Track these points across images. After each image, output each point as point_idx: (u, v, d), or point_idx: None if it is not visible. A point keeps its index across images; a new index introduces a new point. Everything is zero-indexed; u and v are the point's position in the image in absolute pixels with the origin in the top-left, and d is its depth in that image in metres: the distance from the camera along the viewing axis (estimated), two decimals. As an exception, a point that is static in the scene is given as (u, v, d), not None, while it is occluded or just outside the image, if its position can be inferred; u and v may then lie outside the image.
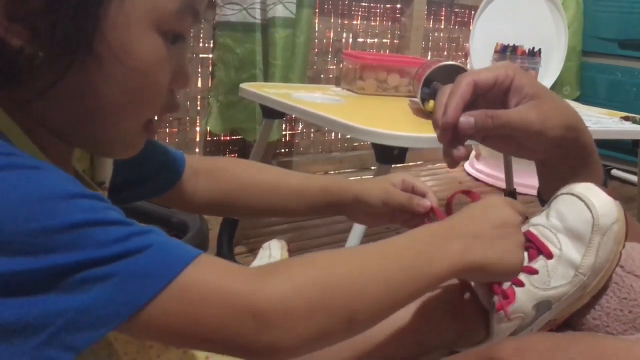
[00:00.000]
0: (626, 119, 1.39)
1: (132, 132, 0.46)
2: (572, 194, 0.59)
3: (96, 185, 0.54)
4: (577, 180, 0.60)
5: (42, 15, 0.38)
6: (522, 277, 0.56)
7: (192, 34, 1.85)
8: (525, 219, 0.55)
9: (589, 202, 0.57)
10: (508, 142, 0.61)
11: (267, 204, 0.67)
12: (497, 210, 0.51)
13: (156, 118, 0.48)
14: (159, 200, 0.63)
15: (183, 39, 0.46)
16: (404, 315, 0.59)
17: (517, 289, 0.56)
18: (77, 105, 0.42)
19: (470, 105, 0.58)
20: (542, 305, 0.57)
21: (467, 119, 0.57)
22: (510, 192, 2.06)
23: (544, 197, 0.66)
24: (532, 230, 0.59)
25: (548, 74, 2.31)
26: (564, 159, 0.62)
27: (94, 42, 0.40)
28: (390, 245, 0.46)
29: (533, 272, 0.57)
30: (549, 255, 0.57)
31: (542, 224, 0.59)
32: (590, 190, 0.58)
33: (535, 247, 0.58)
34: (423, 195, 0.64)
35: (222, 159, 0.68)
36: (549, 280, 0.57)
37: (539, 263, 0.57)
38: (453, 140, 0.59)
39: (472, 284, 0.59)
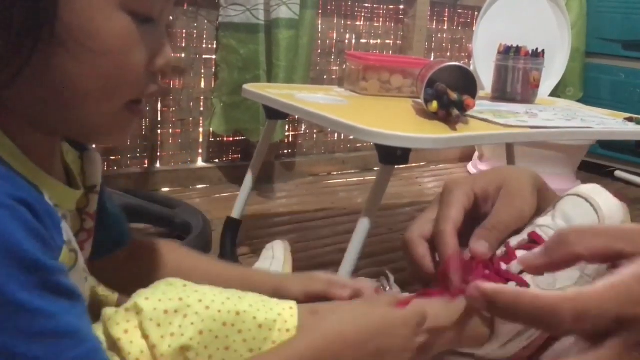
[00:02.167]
0: (630, 119, 1.39)
1: (112, 115, 0.45)
2: (578, 195, 0.59)
3: (85, 189, 0.54)
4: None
5: None
6: (528, 278, 0.56)
7: (194, 34, 1.86)
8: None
9: (595, 203, 0.57)
10: None
11: None
12: (393, 338, 0.52)
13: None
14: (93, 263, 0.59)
15: (154, 21, 0.45)
16: None
17: (522, 290, 0.56)
18: (51, 92, 0.42)
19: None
20: (547, 307, 0.57)
21: (481, 244, 0.57)
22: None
23: None
24: (538, 231, 0.59)
25: (551, 74, 2.31)
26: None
27: (56, 26, 0.39)
28: None
29: (538, 273, 0.56)
30: (554, 257, 0.57)
31: (547, 225, 0.59)
32: (596, 192, 0.58)
33: None
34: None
35: (157, 243, 0.68)
36: (555, 281, 0.56)
37: (544, 264, 0.57)
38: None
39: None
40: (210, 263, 0.69)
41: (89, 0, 0.40)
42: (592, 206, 0.57)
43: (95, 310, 0.53)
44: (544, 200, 0.63)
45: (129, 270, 0.64)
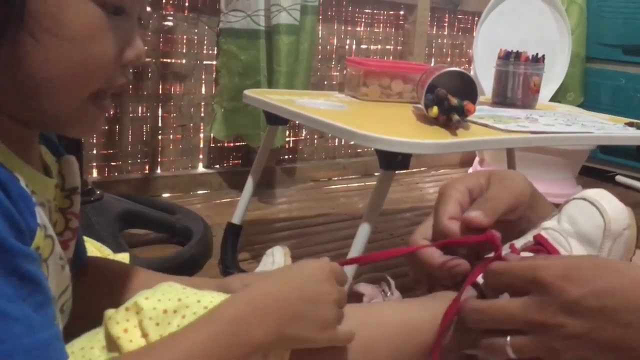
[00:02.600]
0: (630, 124, 1.39)
1: (78, 105, 0.45)
2: (585, 199, 0.59)
3: (65, 193, 0.54)
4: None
5: None
6: None
7: (195, 40, 1.86)
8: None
9: (601, 207, 0.57)
10: None
11: None
12: (314, 284, 0.53)
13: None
14: None
15: (124, 11, 0.45)
16: (418, 324, 0.59)
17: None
18: (20, 81, 0.42)
19: None
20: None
21: (475, 212, 0.59)
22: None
23: None
24: (543, 233, 0.59)
25: (552, 80, 2.32)
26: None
27: (23, 16, 0.40)
28: (197, 343, 0.47)
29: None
30: (559, 259, 0.57)
31: (553, 228, 0.59)
32: (602, 196, 0.59)
33: (545, 250, 0.57)
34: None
35: (110, 265, 0.68)
36: None
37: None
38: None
39: (481, 284, 0.59)
40: (156, 276, 0.67)
41: None
42: (598, 209, 0.58)
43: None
44: (536, 201, 0.64)
45: (85, 289, 0.62)
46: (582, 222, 0.58)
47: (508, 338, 0.49)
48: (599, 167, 2.52)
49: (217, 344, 0.47)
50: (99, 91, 0.46)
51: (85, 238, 0.71)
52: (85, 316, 0.52)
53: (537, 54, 1.55)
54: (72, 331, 0.51)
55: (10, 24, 0.39)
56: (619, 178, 2.49)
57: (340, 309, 0.55)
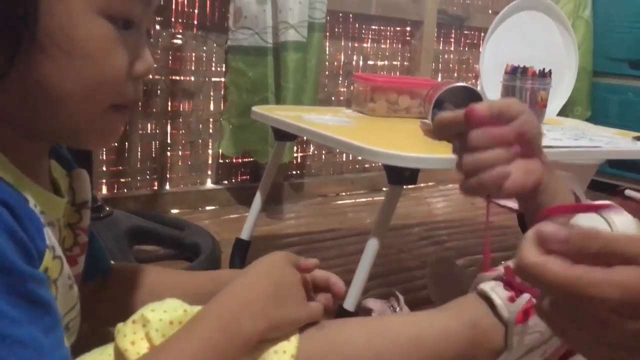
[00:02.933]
0: (638, 138, 1.39)
1: (93, 119, 0.46)
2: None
3: (75, 207, 0.55)
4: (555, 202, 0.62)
5: None
6: None
7: (203, 57, 1.88)
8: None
9: (609, 218, 0.57)
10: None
11: None
12: (278, 269, 0.56)
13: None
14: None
15: (135, 26, 0.46)
16: (427, 336, 0.59)
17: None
18: (35, 97, 0.43)
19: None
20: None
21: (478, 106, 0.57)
22: (522, 215, 2.04)
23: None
24: None
25: (559, 94, 2.31)
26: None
27: (36, 33, 0.40)
28: (194, 344, 0.49)
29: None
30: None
31: None
32: (611, 208, 0.58)
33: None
34: None
35: (131, 269, 0.71)
36: None
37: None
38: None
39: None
40: (180, 274, 0.73)
41: (68, 6, 0.41)
42: (607, 221, 0.58)
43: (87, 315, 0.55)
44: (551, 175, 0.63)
45: (108, 295, 0.66)
46: None
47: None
48: (608, 181, 2.51)
49: (213, 342, 0.49)
50: (115, 104, 0.47)
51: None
52: (114, 322, 0.53)
53: (543, 69, 1.55)
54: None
55: (24, 42, 0.40)
56: (628, 192, 2.47)
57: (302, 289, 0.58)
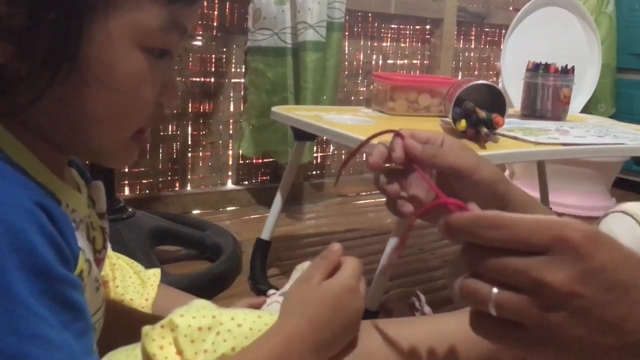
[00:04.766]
0: (665, 135, 1.36)
1: (119, 143, 0.47)
2: (623, 212, 0.59)
3: (98, 215, 0.56)
4: None
5: (24, 32, 0.40)
6: None
7: (223, 59, 1.89)
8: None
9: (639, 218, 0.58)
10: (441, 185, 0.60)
11: None
12: (343, 310, 0.56)
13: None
14: None
15: (170, 54, 0.47)
16: (450, 338, 0.59)
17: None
18: (66, 116, 0.44)
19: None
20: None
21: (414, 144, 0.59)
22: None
23: None
24: None
25: (582, 91, 2.28)
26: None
27: (77, 59, 0.41)
28: None
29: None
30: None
31: None
32: None
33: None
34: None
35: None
36: None
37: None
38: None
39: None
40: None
41: (109, 38, 0.42)
42: (637, 221, 0.58)
43: (112, 318, 0.55)
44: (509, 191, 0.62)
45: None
46: (621, 234, 0.57)
47: (495, 290, 0.40)
48: (633, 178, 2.47)
49: None
50: (140, 129, 0.48)
51: (117, 254, 0.72)
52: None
53: (566, 65, 1.53)
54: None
55: (64, 64, 0.41)
56: (654, 190, 2.43)
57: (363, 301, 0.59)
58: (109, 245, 0.59)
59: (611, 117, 2.19)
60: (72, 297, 0.40)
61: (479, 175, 0.58)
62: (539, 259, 0.39)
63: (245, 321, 0.52)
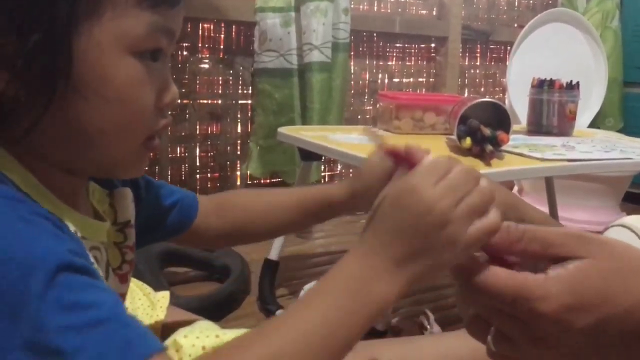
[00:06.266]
0: (673, 149, 1.36)
1: (130, 152, 0.48)
2: (623, 226, 0.59)
3: (117, 227, 0.56)
4: None
5: (16, 57, 0.40)
6: None
7: (230, 81, 1.91)
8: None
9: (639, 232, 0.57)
10: None
11: (271, 224, 0.70)
12: (408, 205, 0.44)
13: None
14: (176, 239, 0.67)
15: (161, 57, 0.47)
16: (458, 356, 0.59)
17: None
18: (70, 136, 0.44)
19: None
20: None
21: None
22: (555, 228, 2.00)
23: None
24: None
25: (589, 106, 2.28)
26: None
27: (71, 76, 0.42)
28: (314, 320, 0.41)
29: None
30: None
31: None
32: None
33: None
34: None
35: (225, 194, 0.74)
36: None
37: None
38: None
39: None
40: (284, 191, 0.74)
41: (99, 49, 0.43)
42: (637, 235, 0.57)
43: None
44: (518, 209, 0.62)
45: (210, 224, 0.68)
46: None
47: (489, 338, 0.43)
48: (643, 193, 2.45)
49: (336, 315, 0.41)
50: (149, 136, 0.48)
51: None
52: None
53: (571, 81, 1.54)
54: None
55: (59, 84, 0.42)
56: (665, 204, 2.41)
57: (483, 213, 0.44)
58: (133, 258, 0.58)
59: (619, 131, 2.18)
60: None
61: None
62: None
63: None
